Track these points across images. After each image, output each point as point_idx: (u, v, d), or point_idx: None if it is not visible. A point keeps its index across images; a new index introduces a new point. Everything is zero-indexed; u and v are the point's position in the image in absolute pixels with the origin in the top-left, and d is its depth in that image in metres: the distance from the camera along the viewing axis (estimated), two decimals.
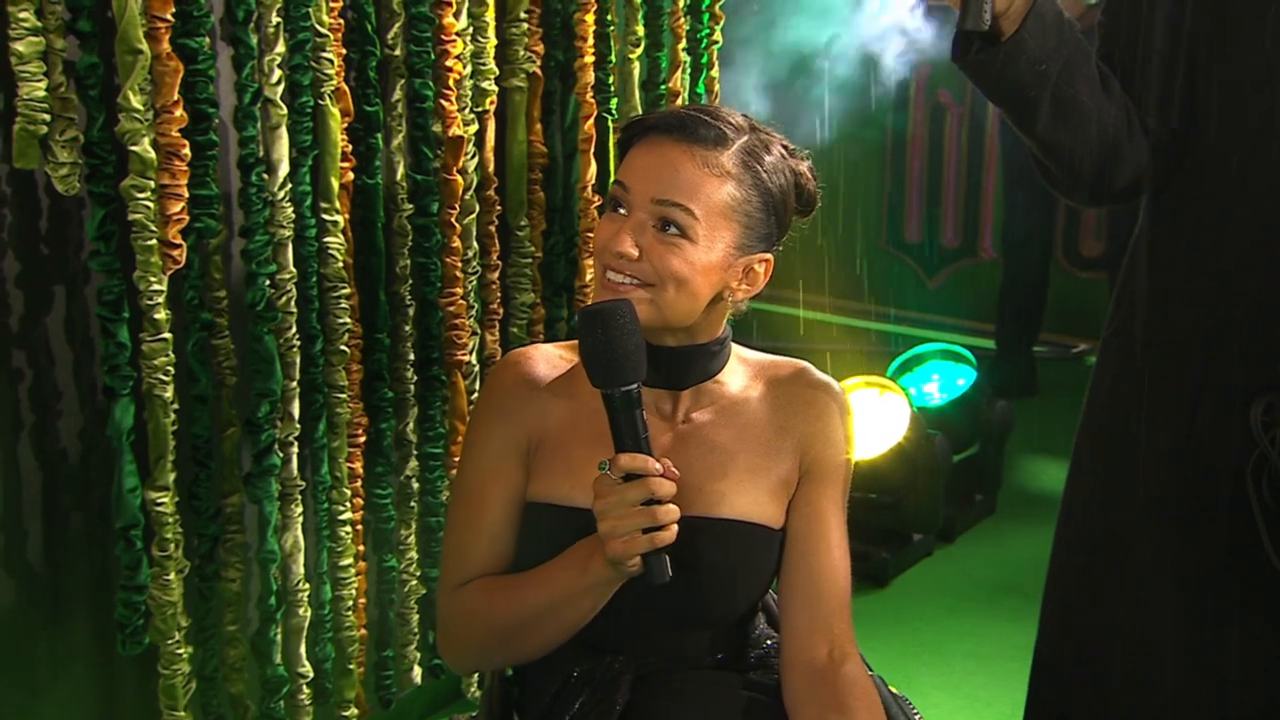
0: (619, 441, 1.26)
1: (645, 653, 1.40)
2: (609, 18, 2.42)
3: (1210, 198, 1.55)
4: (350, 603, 2.20)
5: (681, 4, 2.53)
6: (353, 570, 2.19)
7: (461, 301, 2.26)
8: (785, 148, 1.42)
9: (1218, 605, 1.56)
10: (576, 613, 1.35)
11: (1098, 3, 1.61)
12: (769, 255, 1.41)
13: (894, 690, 1.51)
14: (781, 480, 1.42)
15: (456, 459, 2.17)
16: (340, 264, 2.06)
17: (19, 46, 1.60)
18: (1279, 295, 1.51)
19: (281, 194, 1.94)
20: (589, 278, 2.46)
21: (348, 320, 2.09)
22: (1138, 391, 1.61)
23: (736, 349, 1.49)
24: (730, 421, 1.43)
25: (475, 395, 2.28)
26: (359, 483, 2.19)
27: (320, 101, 1.98)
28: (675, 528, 1.26)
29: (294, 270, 1.98)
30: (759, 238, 1.38)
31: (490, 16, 2.20)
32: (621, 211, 1.36)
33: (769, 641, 1.49)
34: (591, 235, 2.35)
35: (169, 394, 1.80)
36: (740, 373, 1.47)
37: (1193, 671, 1.59)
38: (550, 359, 1.48)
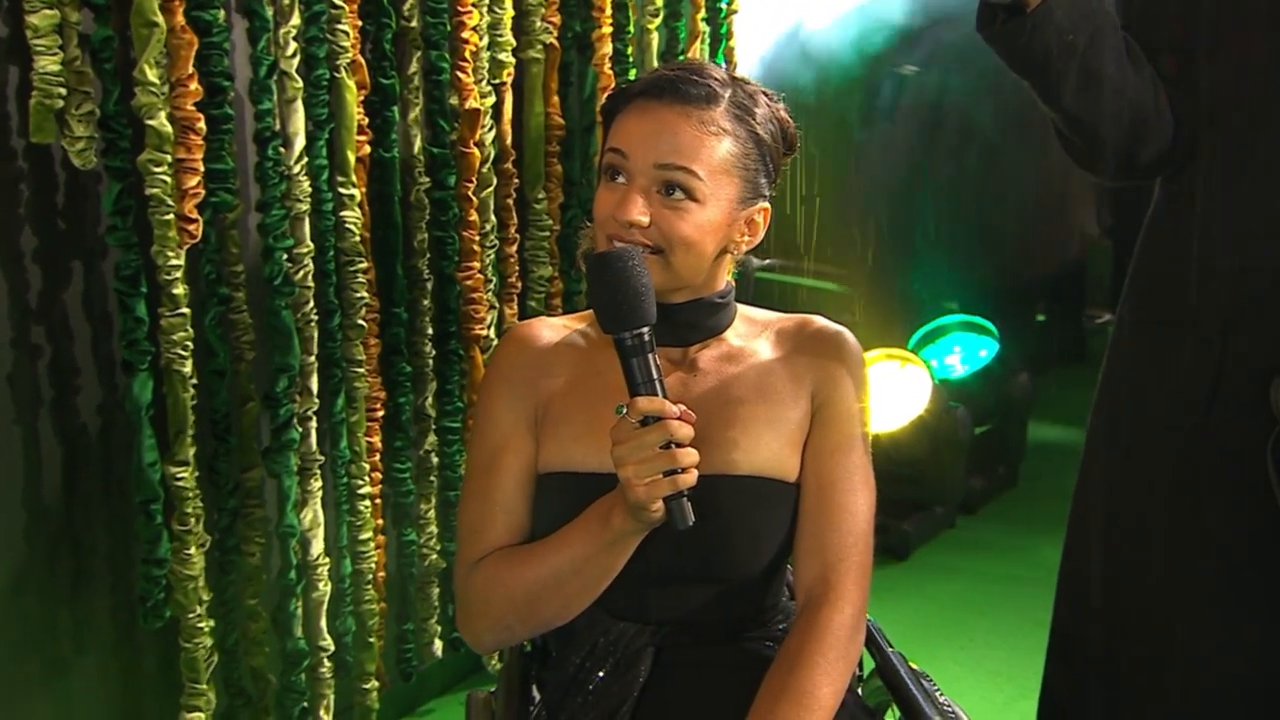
0: (633, 387, 1.25)
1: (666, 617, 1.39)
2: None
3: (1230, 175, 1.52)
4: (370, 576, 2.21)
5: None
6: (372, 544, 2.20)
7: (479, 275, 2.26)
8: (766, 94, 1.43)
9: (1235, 582, 1.55)
10: (599, 570, 1.34)
11: None
12: (767, 204, 1.42)
13: (915, 666, 1.50)
14: (798, 427, 1.41)
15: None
16: (357, 238, 2.05)
17: (34, 20, 1.60)
18: None
19: (298, 168, 1.93)
20: None
21: (365, 294, 2.08)
22: (1155, 369, 1.59)
23: (743, 309, 1.49)
24: (742, 376, 1.42)
25: None
26: (378, 457, 2.19)
27: (336, 74, 1.97)
28: (696, 471, 1.25)
29: (311, 244, 1.97)
30: (757, 188, 1.39)
31: None
32: (620, 180, 1.35)
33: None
34: None
35: (188, 369, 1.80)
36: (748, 329, 1.47)
37: (1209, 648, 1.57)
38: (554, 327, 1.48)
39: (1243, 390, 1.50)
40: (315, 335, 2.01)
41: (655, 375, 1.25)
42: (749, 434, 1.39)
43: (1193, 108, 1.51)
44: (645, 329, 1.25)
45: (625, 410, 1.24)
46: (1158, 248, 1.61)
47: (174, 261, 1.76)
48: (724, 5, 2.61)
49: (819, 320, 1.47)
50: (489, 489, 1.40)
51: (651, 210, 1.33)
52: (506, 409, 1.42)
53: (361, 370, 2.11)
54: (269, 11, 1.86)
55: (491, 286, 2.30)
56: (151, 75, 1.68)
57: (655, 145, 1.33)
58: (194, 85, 1.74)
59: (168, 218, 1.74)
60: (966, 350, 3.79)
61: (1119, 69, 1.46)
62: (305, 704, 2.12)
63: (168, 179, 1.73)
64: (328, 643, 2.14)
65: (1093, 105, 1.46)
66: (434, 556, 2.34)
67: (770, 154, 1.40)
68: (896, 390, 3.38)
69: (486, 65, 2.20)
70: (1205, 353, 1.53)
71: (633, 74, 2.44)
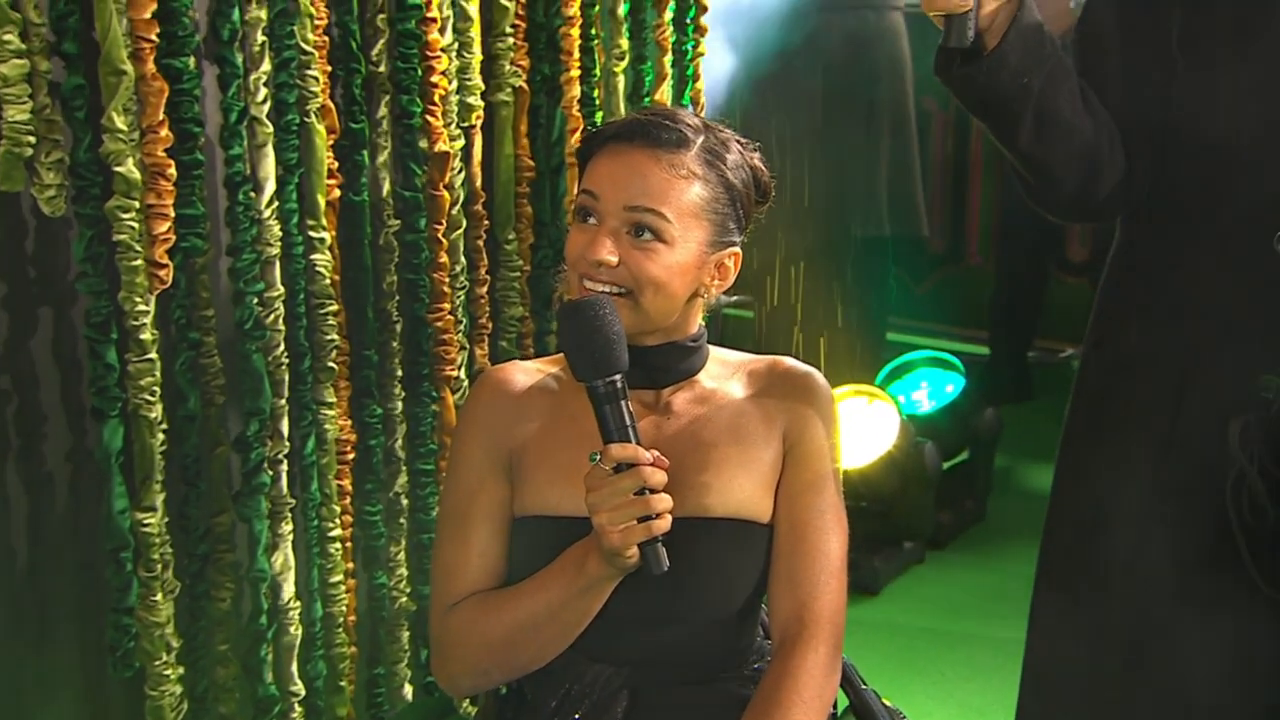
0: (607, 434, 1.27)
1: (641, 659, 1.40)
2: (594, 31, 2.43)
3: (1184, 215, 1.55)
4: (341, 620, 2.19)
5: (666, 17, 2.54)
6: (343, 588, 2.18)
7: (450, 317, 2.26)
8: (739, 142, 1.45)
9: (1200, 620, 1.57)
10: (574, 615, 1.35)
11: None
12: (738, 249, 1.44)
13: (888, 704, 1.51)
14: (770, 468, 1.42)
15: (445, 470, 2.17)
16: (328, 281, 2.05)
17: (3, 69, 1.60)
18: (1252, 313, 1.51)
19: (268, 212, 1.93)
20: None
21: (336, 337, 2.08)
22: (1117, 406, 1.62)
23: (715, 350, 1.51)
24: (714, 418, 1.44)
25: None
26: (348, 500, 2.18)
27: (306, 119, 1.97)
28: (669, 516, 1.26)
29: (281, 288, 1.97)
30: (727, 233, 1.41)
31: (475, 32, 2.20)
32: (592, 221, 1.37)
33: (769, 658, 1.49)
34: None
35: (155, 414, 1.79)
36: (720, 371, 1.48)
37: (1177, 686, 1.59)
38: (527, 371, 1.49)
39: (1202, 430, 1.53)
40: (286, 379, 2.01)
41: (628, 422, 1.27)
42: (722, 476, 1.40)
43: (1144, 153, 1.55)
44: (617, 376, 1.26)
45: (599, 457, 1.26)
46: (1118, 287, 1.64)
47: (141, 307, 1.76)
48: (690, 48, 2.64)
49: (789, 361, 1.49)
50: (464, 533, 1.41)
51: (621, 251, 1.35)
52: (481, 453, 1.43)
53: (332, 413, 2.11)
54: (239, 58, 1.87)
55: (462, 328, 2.31)
56: (119, 122, 1.69)
57: (625, 187, 1.35)
58: (164, 132, 1.75)
59: (136, 263, 1.74)
60: (933, 385, 3.82)
61: (1074, 112, 1.49)
62: None
63: (136, 225, 1.73)
64: (299, 688, 2.12)
65: (1047, 147, 1.49)
66: (404, 599, 2.33)
67: (741, 200, 1.42)
68: (865, 426, 3.41)
69: (456, 109, 2.21)
70: (1163, 393, 1.56)
71: (599, 116, 2.47)
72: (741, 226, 1.43)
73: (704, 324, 1.49)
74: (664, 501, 1.26)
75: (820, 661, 1.36)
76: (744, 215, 1.43)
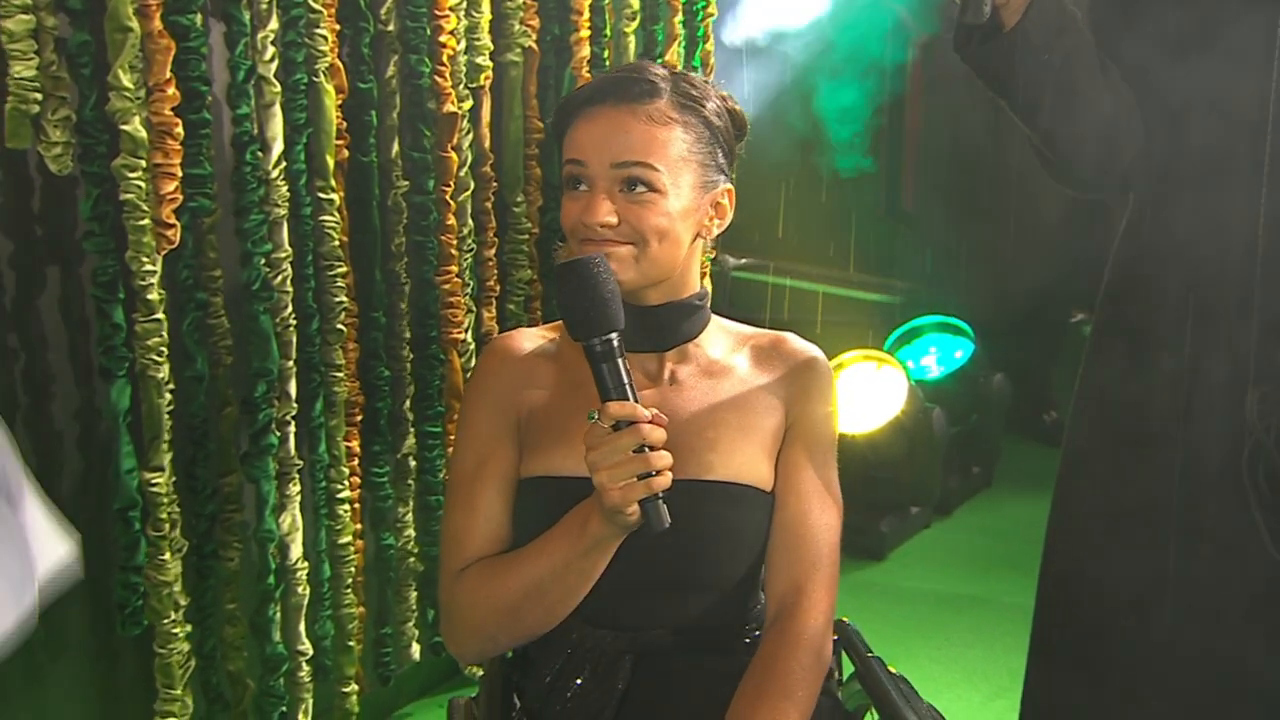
0: (604, 392, 1.27)
1: (644, 624, 1.40)
2: None
3: (1200, 186, 1.54)
4: (349, 580, 2.20)
5: None
6: (351, 548, 2.19)
7: (458, 279, 2.26)
8: (710, 84, 1.46)
9: (1213, 588, 1.56)
10: (578, 577, 1.35)
11: None
12: (729, 185, 1.45)
13: (893, 670, 1.51)
14: (772, 436, 1.44)
15: (454, 436, 2.17)
16: (336, 242, 2.05)
17: (9, 24, 1.59)
18: (1267, 283, 1.50)
19: (276, 172, 1.92)
20: None
21: (344, 299, 2.08)
22: (1130, 380, 1.61)
23: (718, 320, 1.51)
24: (715, 383, 1.45)
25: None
26: (356, 461, 2.19)
27: (314, 78, 1.96)
28: (670, 473, 1.27)
29: (289, 249, 1.97)
30: (715, 171, 1.42)
31: None
32: (583, 188, 1.38)
33: None
34: None
35: (163, 374, 1.79)
36: (723, 340, 1.49)
37: (1190, 651, 1.59)
38: (533, 338, 1.50)
39: (1216, 403, 1.52)
40: (294, 340, 2.01)
41: (625, 380, 1.26)
42: (724, 440, 1.41)
43: (1162, 125, 1.53)
44: (614, 334, 1.26)
45: (597, 416, 1.26)
46: (1125, 261, 1.63)
47: (149, 267, 1.75)
48: (700, 8, 2.62)
49: (791, 338, 1.50)
50: (472, 499, 1.41)
51: (618, 209, 1.35)
52: (488, 421, 1.43)
53: (340, 374, 2.11)
54: (246, 16, 1.85)
55: (470, 290, 2.30)
56: (125, 80, 1.68)
57: (609, 146, 1.36)
58: (171, 90, 1.73)
59: (143, 223, 1.73)
60: (942, 351, 3.81)
61: (1094, 88, 1.47)
62: (284, 708, 2.11)
63: (142, 184, 1.72)
64: (306, 647, 2.14)
65: (1068, 124, 1.47)
66: (412, 560, 2.34)
67: (723, 137, 1.42)
68: (873, 391, 3.40)
69: (465, 69, 2.20)
70: (1177, 363, 1.54)
71: None
72: (730, 162, 1.44)
73: (706, 287, 1.48)
74: (663, 458, 1.26)
75: (819, 628, 1.39)
76: (729, 153, 1.44)
